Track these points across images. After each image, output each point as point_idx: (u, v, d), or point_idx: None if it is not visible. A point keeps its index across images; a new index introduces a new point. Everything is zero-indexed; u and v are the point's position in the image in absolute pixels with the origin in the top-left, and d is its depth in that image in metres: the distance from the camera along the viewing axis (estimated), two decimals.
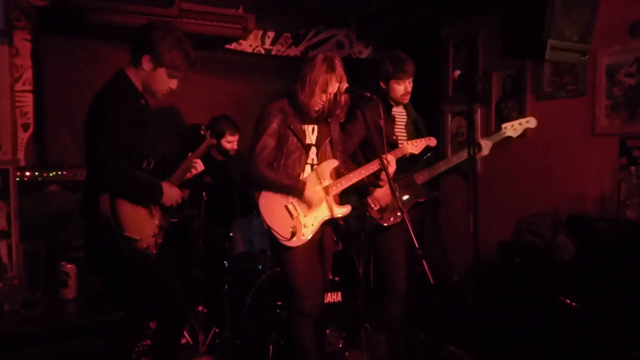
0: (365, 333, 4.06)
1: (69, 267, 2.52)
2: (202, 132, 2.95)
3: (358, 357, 3.78)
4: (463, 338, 3.91)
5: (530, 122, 3.44)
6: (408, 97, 3.44)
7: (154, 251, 2.59)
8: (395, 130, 3.49)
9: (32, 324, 2.25)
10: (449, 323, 4.05)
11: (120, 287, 2.64)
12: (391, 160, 3.02)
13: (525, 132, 3.47)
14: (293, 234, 2.95)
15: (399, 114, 3.52)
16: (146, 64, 2.58)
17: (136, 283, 2.63)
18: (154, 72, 2.60)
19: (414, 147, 3.22)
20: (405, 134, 3.50)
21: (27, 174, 3.57)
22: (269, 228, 2.97)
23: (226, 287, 3.91)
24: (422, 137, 3.43)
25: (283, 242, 2.95)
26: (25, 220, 3.24)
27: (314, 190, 2.97)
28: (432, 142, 3.29)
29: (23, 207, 3.27)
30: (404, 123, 3.52)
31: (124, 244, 2.44)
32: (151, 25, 2.63)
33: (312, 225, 3.00)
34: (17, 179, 3.49)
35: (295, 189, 2.95)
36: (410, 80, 3.39)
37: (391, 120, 3.48)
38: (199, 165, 2.88)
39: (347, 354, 3.77)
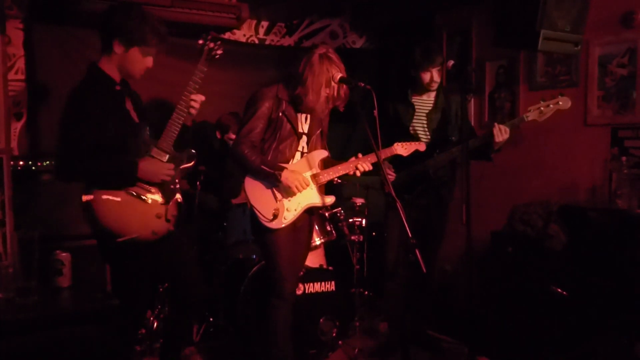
0: (359, 322, 4.09)
1: (64, 256, 2.52)
2: (200, 41, 2.74)
3: (351, 346, 3.81)
4: (456, 327, 3.94)
5: (563, 103, 3.23)
6: (435, 85, 3.55)
7: (172, 227, 2.64)
8: (415, 118, 3.55)
9: (27, 311, 2.25)
10: (441, 312, 4.08)
11: (129, 274, 2.67)
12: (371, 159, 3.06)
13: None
14: (275, 216, 2.97)
15: (423, 101, 3.59)
16: (117, 47, 2.57)
17: (150, 265, 2.67)
18: (127, 54, 2.59)
19: (404, 149, 3.23)
20: (425, 122, 3.58)
21: (21, 163, 3.56)
22: (252, 207, 3.00)
23: (220, 276, 3.93)
24: (450, 124, 3.54)
25: (264, 223, 2.97)
26: (20, 209, 3.24)
27: (293, 174, 2.96)
28: (421, 147, 3.27)
29: (17, 196, 3.27)
30: (427, 111, 3.58)
31: (125, 246, 2.48)
32: (113, 9, 2.63)
33: (295, 210, 3.02)
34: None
35: (271, 176, 2.95)
36: (438, 69, 3.50)
37: (412, 108, 3.59)
38: (199, 98, 2.75)
39: (340, 342, 3.79)
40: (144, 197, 2.59)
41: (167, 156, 2.66)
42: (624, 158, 3.49)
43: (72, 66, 3.99)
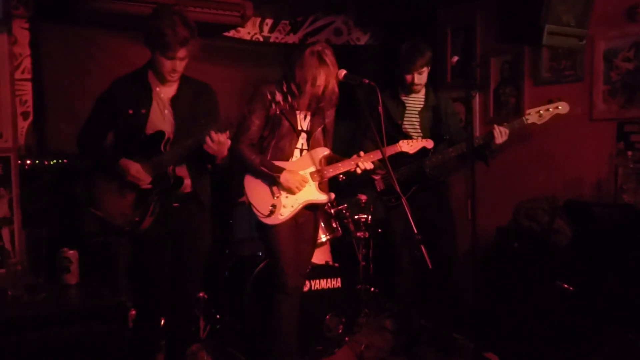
0: (365, 318, 4.10)
1: (71, 253, 2.55)
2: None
3: (358, 342, 3.82)
4: (461, 323, 3.94)
5: (562, 108, 3.25)
6: (418, 87, 3.52)
7: (127, 228, 2.69)
8: (406, 116, 3.54)
9: (35, 308, 2.28)
10: (447, 308, 4.07)
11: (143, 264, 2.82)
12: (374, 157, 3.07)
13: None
14: (271, 212, 3.01)
15: (413, 99, 3.56)
16: (148, 51, 2.72)
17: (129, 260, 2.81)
18: (153, 58, 2.72)
19: (410, 146, 3.23)
20: (417, 120, 3.56)
21: (28, 162, 3.59)
22: (250, 204, 3.05)
23: (226, 273, 3.95)
24: (440, 124, 3.50)
25: (261, 219, 3.03)
26: (27, 207, 3.27)
27: (292, 175, 3.01)
28: (429, 144, 3.28)
29: (25, 194, 3.29)
30: (418, 109, 3.57)
31: (93, 217, 2.64)
32: (148, 15, 2.75)
33: (292, 207, 3.06)
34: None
35: (270, 178, 3.01)
36: (421, 71, 3.45)
37: (402, 105, 3.57)
38: (217, 137, 2.62)
39: (346, 339, 3.80)
40: (124, 194, 2.70)
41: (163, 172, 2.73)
42: (629, 153, 3.47)
43: (78, 65, 4.01)
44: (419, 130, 3.57)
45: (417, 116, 3.57)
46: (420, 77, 3.48)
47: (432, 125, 3.57)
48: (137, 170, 2.67)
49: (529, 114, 3.29)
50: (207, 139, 2.61)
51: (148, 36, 2.67)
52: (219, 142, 2.62)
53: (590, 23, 3.06)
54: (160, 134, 2.73)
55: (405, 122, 3.57)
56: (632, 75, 3.53)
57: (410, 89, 3.53)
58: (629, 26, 3.52)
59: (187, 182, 2.82)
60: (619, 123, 3.59)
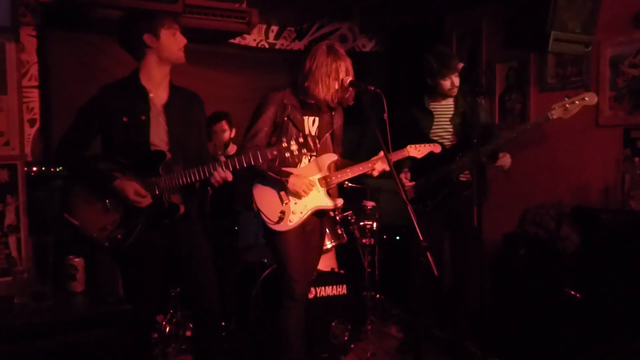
0: (371, 325, 4.09)
1: (77, 261, 2.54)
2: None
3: (364, 349, 3.81)
4: (469, 329, 3.92)
5: (589, 99, 3.15)
6: (456, 90, 3.49)
7: (107, 244, 2.60)
8: (436, 123, 3.51)
9: (41, 316, 2.27)
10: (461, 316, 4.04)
11: (132, 276, 2.74)
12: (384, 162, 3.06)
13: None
14: (280, 219, 3.01)
15: (443, 107, 3.55)
16: (150, 40, 2.63)
17: (154, 268, 2.73)
18: (161, 42, 2.64)
19: (417, 151, 3.21)
20: (450, 127, 3.53)
21: (34, 169, 3.60)
22: (258, 210, 3.04)
23: (232, 280, 3.95)
24: (469, 130, 3.46)
25: (270, 225, 3.02)
26: (34, 215, 3.27)
27: (299, 179, 2.99)
28: (437, 148, 3.26)
29: (31, 201, 3.30)
30: (449, 116, 3.54)
31: (66, 223, 2.59)
32: (125, 20, 2.73)
33: (301, 213, 3.05)
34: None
35: (278, 182, 3.00)
36: (456, 74, 3.43)
37: (430, 114, 3.54)
38: (219, 175, 2.61)
39: (352, 346, 3.79)
40: (108, 207, 2.61)
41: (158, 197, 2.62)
42: (636, 159, 3.47)
43: (85, 72, 4.03)
44: (452, 138, 3.53)
45: (449, 123, 3.53)
46: (457, 80, 3.46)
47: (462, 130, 3.52)
48: (136, 191, 2.56)
49: (554, 109, 3.16)
50: (215, 173, 2.60)
51: (150, 22, 2.62)
52: (225, 178, 2.62)
53: (596, 29, 3.05)
54: (161, 154, 2.62)
55: (437, 131, 3.54)
56: (639, 82, 3.52)
57: (448, 93, 3.49)
58: (635, 32, 3.52)
59: (181, 207, 2.70)
60: (626, 129, 3.58)
